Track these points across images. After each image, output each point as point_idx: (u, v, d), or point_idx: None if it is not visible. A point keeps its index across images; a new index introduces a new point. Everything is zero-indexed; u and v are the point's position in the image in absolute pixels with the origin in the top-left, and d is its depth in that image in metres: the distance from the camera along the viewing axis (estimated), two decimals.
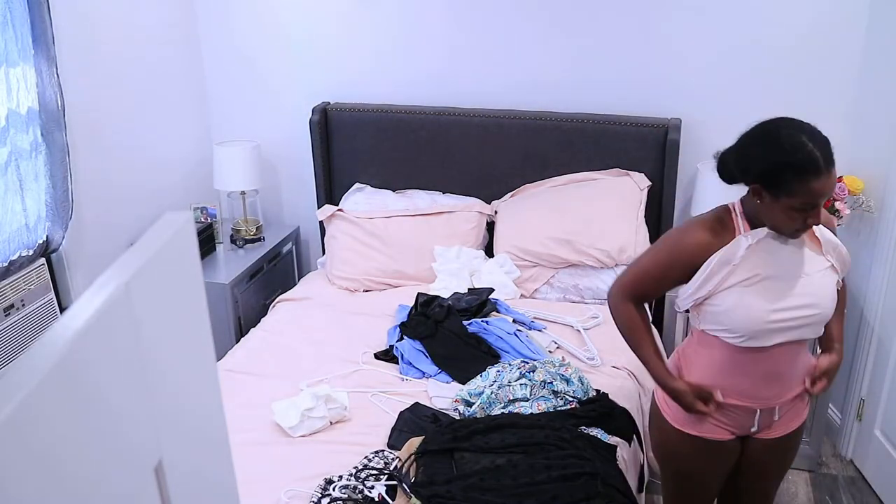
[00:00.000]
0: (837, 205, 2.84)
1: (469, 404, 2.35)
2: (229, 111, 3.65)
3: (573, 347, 2.70)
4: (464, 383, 2.47)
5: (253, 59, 3.53)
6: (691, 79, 3.12)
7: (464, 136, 3.28)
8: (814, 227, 1.77)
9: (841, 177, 2.86)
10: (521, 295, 3.07)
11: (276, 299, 3.17)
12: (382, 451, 2.16)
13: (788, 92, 2.99)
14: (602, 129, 3.15)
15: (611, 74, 3.19)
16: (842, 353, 1.91)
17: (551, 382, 2.36)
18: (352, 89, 3.46)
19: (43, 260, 2.66)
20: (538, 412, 2.27)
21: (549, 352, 2.67)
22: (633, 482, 2.16)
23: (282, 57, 3.50)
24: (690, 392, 1.85)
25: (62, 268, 2.77)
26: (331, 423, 2.30)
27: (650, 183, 3.12)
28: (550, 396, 2.33)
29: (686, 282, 1.82)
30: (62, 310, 2.74)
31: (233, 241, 3.49)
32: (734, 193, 1.84)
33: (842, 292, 1.89)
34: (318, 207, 3.46)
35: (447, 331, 2.69)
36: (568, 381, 2.39)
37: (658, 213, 3.18)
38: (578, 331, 2.81)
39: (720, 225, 1.80)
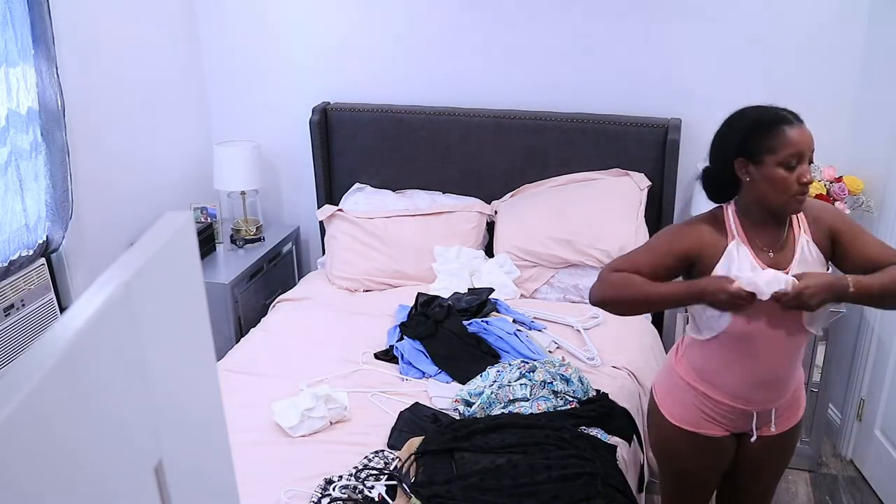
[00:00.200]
0: (837, 205, 2.84)
1: (469, 404, 2.35)
2: (229, 111, 3.65)
3: (573, 347, 2.70)
4: (464, 383, 2.47)
5: (253, 59, 3.53)
6: (691, 79, 3.12)
7: (464, 136, 3.28)
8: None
9: (841, 177, 2.87)
10: (521, 295, 3.07)
11: (276, 299, 3.17)
12: (382, 451, 2.16)
13: (788, 92, 2.98)
14: (602, 129, 3.15)
15: (611, 74, 3.19)
16: (845, 285, 1.70)
17: (551, 382, 2.36)
18: (352, 89, 3.46)
19: (43, 260, 2.66)
20: (538, 412, 2.27)
21: (549, 352, 2.67)
22: (633, 482, 2.16)
23: (282, 57, 3.50)
24: (716, 279, 1.74)
25: (62, 268, 2.77)
26: (331, 423, 2.30)
27: (650, 183, 3.12)
28: (550, 396, 2.33)
29: (675, 275, 1.83)
30: (62, 310, 2.74)
31: (233, 241, 3.49)
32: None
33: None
34: (318, 207, 3.46)
35: (447, 331, 2.69)
36: (568, 381, 2.39)
37: (658, 213, 3.18)
38: (578, 331, 2.81)
39: (716, 221, 1.83)
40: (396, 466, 2.06)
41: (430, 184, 3.39)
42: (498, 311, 2.86)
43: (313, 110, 3.40)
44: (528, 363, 2.45)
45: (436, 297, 2.88)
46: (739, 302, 1.69)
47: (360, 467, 2.07)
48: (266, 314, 3.09)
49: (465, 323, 2.75)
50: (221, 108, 3.65)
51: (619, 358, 2.64)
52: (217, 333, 2.79)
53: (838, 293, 1.69)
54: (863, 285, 1.70)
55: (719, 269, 1.76)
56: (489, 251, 3.24)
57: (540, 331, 2.80)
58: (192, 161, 3.55)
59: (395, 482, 2.00)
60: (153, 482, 0.59)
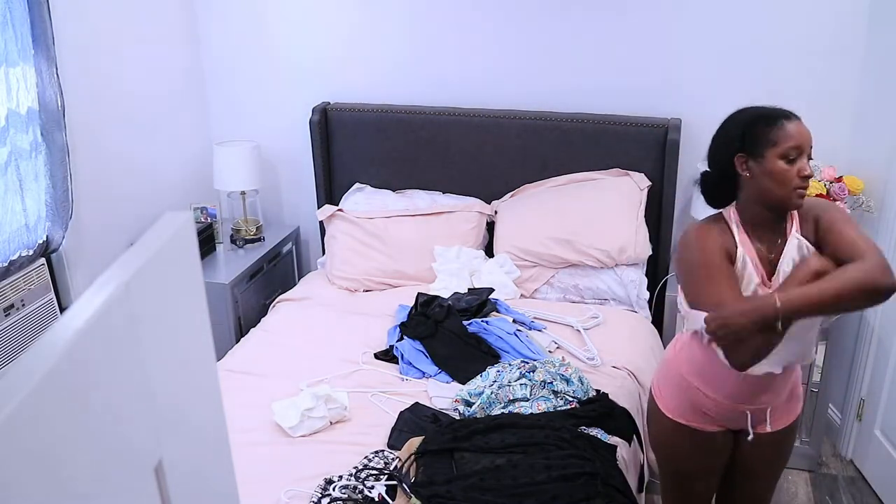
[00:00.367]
0: (837, 205, 2.84)
1: (469, 404, 2.35)
2: (229, 111, 3.65)
3: (573, 347, 2.70)
4: (464, 383, 2.47)
5: (253, 59, 3.53)
6: (691, 79, 3.12)
7: (464, 136, 3.28)
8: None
9: (841, 177, 2.87)
10: (521, 295, 3.07)
11: (276, 299, 3.17)
12: (382, 451, 2.16)
13: (788, 92, 2.99)
14: (602, 129, 3.15)
15: (611, 74, 3.19)
16: (771, 303, 1.65)
17: (551, 382, 2.36)
18: (352, 89, 3.46)
19: (43, 260, 2.66)
20: (538, 412, 2.27)
21: (549, 352, 2.67)
22: (633, 482, 2.16)
23: (282, 57, 3.50)
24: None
25: (62, 268, 2.77)
26: (331, 423, 2.30)
27: (650, 183, 3.12)
28: (550, 396, 2.33)
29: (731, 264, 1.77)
30: (62, 310, 2.74)
31: (233, 241, 3.49)
32: None
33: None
34: (318, 207, 3.46)
35: (447, 331, 2.69)
36: (568, 381, 2.39)
37: (658, 213, 3.18)
38: (578, 331, 2.81)
39: (722, 224, 1.82)
40: (396, 466, 2.06)
41: (430, 184, 3.39)
42: (498, 311, 2.86)
43: (313, 110, 3.40)
44: (528, 363, 2.45)
45: (436, 297, 2.88)
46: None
47: (360, 467, 2.07)
48: (266, 314, 3.09)
49: (465, 323, 2.75)
50: (221, 109, 3.65)
51: (619, 358, 2.64)
52: (217, 333, 2.79)
53: (764, 315, 1.63)
54: (792, 300, 1.62)
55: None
56: (489, 251, 3.24)
57: (540, 331, 2.80)
58: (192, 161, 3.55)
59: (395, 482, 2.00)
60: (153, 482, 0.59)
